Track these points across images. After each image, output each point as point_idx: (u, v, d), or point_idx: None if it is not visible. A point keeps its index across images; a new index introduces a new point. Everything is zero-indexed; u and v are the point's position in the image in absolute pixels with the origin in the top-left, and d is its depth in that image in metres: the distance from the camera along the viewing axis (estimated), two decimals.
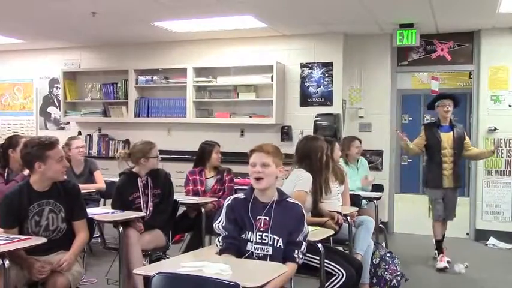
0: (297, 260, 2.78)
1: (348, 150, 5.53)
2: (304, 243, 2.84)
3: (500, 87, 6.57)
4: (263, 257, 2.79)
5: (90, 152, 8.06)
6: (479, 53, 6.75)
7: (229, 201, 2.86)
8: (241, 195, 2.90)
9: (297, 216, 2.85)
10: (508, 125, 6.54)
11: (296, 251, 2.78)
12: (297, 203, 2.92)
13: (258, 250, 2.78)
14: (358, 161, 5.70)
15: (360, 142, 5.70)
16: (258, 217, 2.81)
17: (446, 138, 5.46)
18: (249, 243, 2.79)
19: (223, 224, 2.81)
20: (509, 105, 6.56)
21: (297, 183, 3.71)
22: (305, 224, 2.88)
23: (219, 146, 5.28)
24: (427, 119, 10.40)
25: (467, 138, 5.67)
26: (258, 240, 2.79)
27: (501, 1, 5.31)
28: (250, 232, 2.80)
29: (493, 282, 4.91)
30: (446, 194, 5.51)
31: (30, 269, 3.05)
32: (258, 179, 2.80)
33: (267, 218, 2.80)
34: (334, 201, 4.41)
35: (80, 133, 8.17)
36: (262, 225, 2.80)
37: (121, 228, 3.86)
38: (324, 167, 3.97)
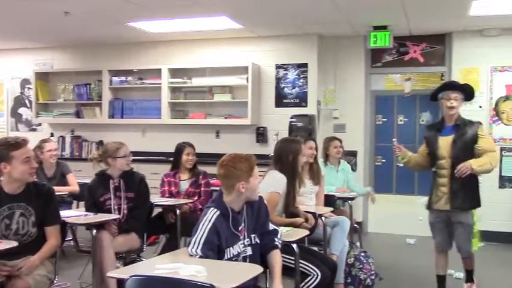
0: (279, 245, 2.94)
1: (327, 150, 5.54)
2: (279, 229, 3.00)
3: None
4: (244, 261, 2.81)
5: (63, 153, 7.95)
6: (450, 55, 6.87)
7: (211, 224, 2.66)
8: (215, 211, 2.72)
9: (262, 208, 2.95)
10: None
11: (276, 239, 2.94)
12: (258, 195, 2.97)
13: (239, 257, 2.78)
14: (340, 163, 5.64)
15: (341, 142, 5.62)
16: (240, 227, 2.81)
17: (445, 144, 4.11)
18: (233, 258, 2.76)
19: (203, 250, 2.60)
20: (480, 107, 6.68)
21: (270, 184, 3.72)
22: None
23: (192, 147, 5.12)
24: (401, 120, 10.48)
25: (482, 140, 4.10)
26: (242, 250, 2.79)
27: (471, 4, 5.41)
28: (233, 247, 2.75)
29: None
30: (448, 218, 4.18)
31: None
32: None
33: (243, 224, 2.83)
34: (306, 199, 4.43)
35: (52, 135, 8.04)
36: (242, 233, 2.81)
37: (94, 231, 3.81)
38: (298, 169, 3.97)
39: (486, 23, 6.36)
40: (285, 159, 3.85)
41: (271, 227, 2.97)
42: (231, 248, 2.74)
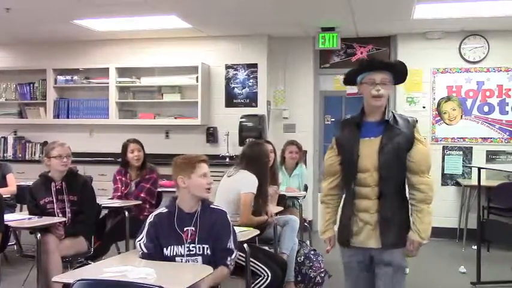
0: (230, 266, 2.82)
1: (284, 154, 5.59)
2: (235, 251, 2.86)
3: (415, 89, 6.91)
4: None
5: (5, 155, 7.68)
6: (395, 57, 7.05)
7: (152, 219, 2.79)
8: (163, 209, 2.84)
9: (224, 222, 2.86)
10: (423, 125, 6.87)
11: (228, 258, 2.81)
12: (222, 209, 2.93)
13: (188, 262, 2.74)
14: (297, 166, 5.59)
15: (298, 148, 5.54)
16: (185, 228, 2.77)
17: (369, 149, 2.68)
18: (177, 258, 2.74)
19: (145, 242, 2.73)
20: (423, 107, 6.92)
21: (244, 184, 3.75)
22: (233, 229, 2.90)
23: (136, 143, 4.89)
24: None
25: (418, 149, 2.68)
26: (186, 253, 2.75)
27: (415, 8, 5.59)
28: (177, 246, 2.74)
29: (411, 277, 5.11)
30: (371, 258, 2.76)
31: None
32: (209, 189, 2.84)
33: (194, 229, 2.78)
34: None
35: None
36: (189, 237, 2.77)
37: (39, 235, 3.69)
38: (269, 171, 4.12)
39: (429, 26, 6.58)
40: (261, 161, 3.97)
41: (230, 245, 2.82)
42: (174, 246, 2.74)
